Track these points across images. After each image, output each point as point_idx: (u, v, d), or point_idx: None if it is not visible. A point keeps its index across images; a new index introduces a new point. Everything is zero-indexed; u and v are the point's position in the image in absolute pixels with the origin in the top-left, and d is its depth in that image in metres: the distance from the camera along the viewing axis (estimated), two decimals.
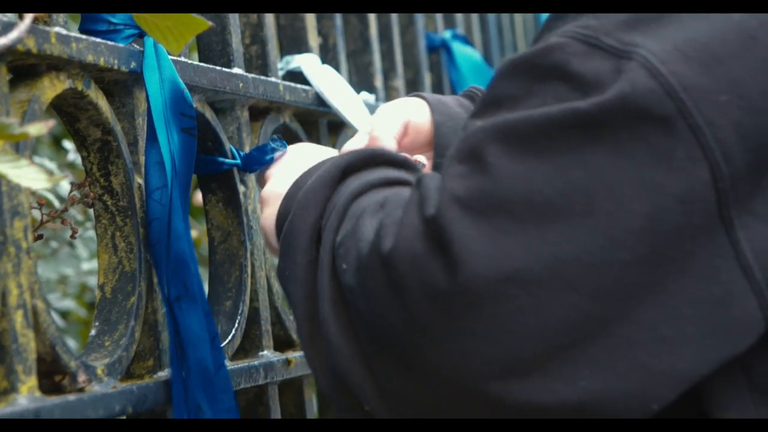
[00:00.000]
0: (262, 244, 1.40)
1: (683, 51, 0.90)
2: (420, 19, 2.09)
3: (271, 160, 1.25)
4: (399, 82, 1.94)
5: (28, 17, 1.01)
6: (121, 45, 1.17)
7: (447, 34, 2.18)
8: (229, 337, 1.31)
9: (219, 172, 1.35)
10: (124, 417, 1.16)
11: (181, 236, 1.16)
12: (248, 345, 1.38)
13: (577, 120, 0.90)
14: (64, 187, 1.92)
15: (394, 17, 1.95)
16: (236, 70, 1.38)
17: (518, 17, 2.80)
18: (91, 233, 2.08)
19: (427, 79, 2.07)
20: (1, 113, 0.99)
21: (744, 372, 0.95)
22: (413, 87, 2.04)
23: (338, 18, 1.75)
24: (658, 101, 0.89)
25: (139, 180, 1.20)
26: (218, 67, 1.34)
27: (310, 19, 1.64)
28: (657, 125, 0.89)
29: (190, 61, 1.28)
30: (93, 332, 1.17)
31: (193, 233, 1.98)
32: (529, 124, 0.91)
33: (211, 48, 1.40)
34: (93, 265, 2.13)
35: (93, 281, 2.20)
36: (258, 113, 1.45)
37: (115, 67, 1.16)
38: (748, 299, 0.91)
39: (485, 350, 0.90)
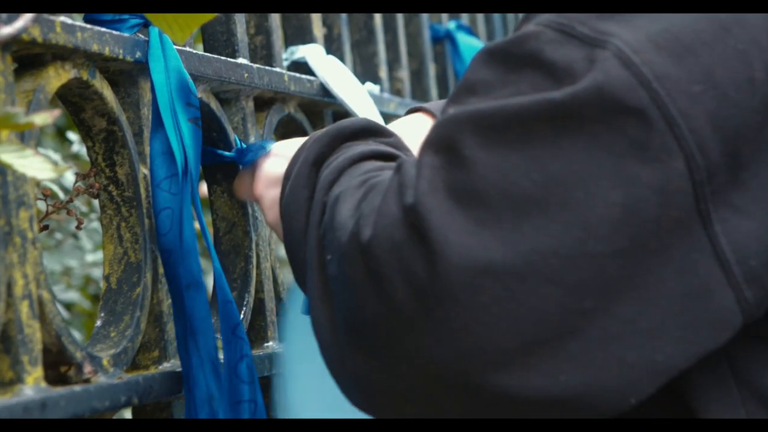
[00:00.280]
0: (267, 235, 1.40)
1: (656, 41, 0.90)
2: None
3: (256, 155, 1.24)
4: (403, 73, 1.94)
5: None
6: (126, 35, 1.16)
7: (451, 25, 2.17)
8: None
9: (219, 164, 1.34)
10: (130, 408, 1.16)
11: (191, 225, 1.16)
12: (254, 336, 1.38)
13: (552, 111, 0.89)
14: (69, 178, 1.92)
15: None
16: (241, 61, 1.38)
17: None
18: (96, 225, 2.08)
19: (431, 69, 2.07)
20: (6, 103, 0.99)
21: (730, 367, 0.94)
22: (418, 77, 2.04)
23: None
24: (631, 92, 0.88)
25: (144, 170, 1.19)
26: (223, 58, 1.34)
27: None
28: (631, 116, 0.88)
29: (195, 51, 1.27)
30: (98, 323, 1.17)
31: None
32: (504, 115, 0.90)
33: (216, 38, 1.40)
34: (97, 256, 2.13)
35: (97, 273, 2.20)
36: (263, 104, 1.45)
37: (121, 56, 1.15)
38: (725, 293, 0.90)
39: (461, 342, 0.90)
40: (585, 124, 0.89)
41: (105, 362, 1.10)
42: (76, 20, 1.10)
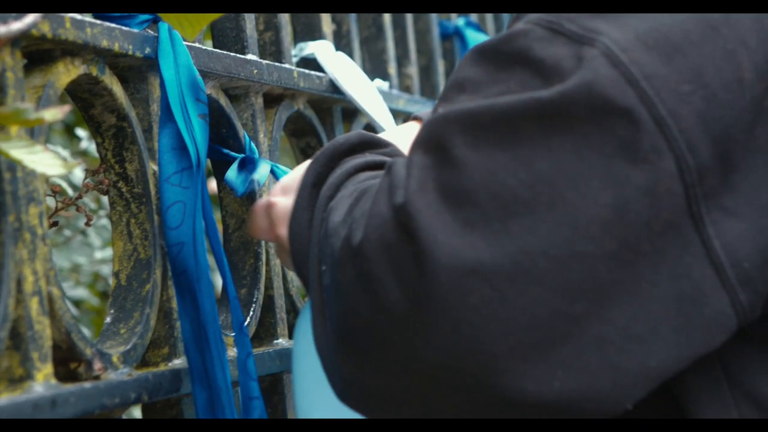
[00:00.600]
0: None
1: (645, 40, 0.89)
2: None
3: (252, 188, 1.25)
4: (412, 69, 1.94)
5: None
6: (135, 30, 1.16)
7: (460, 22, 2.16)
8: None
9: (225, 161, 1.34)
10: (140, 405, 1.16)
11: (201, 219, 1.16)
12: (263, 333, 1.37)
13: (540, 110, 0.89)
14: (78, 175, 1.92)
15: None
16: (250, 57, 1.37)
17: None
18: (104, 221, 2.08)
19: (440, 66, 2.07)
20: (16, 98, 0.98)
21: (724, 370, 0.94)
22: (427, 74, 2.03)
23: None
24: (620, 91, 0.88)
25: (153, 166, 1.19)
26: (233, 54, 1.33)
27: None
28: (620, 116, 0.88)
29: (204, 47, 1.27)
30: (108, 320, 1.17)
31: None
32: (493, 115, 0.90)
33: (225, 34, 1.39)
34: (106, 253, 2.13)
35: (106, 270, 2.20)
36: (272, 100, 1.45)
37: (130, 52, 1.15)
38: (719, 296, 0.89)
39: (452, 344, 0.89)
40: (574, 124, 0.88)
41: (115, 359, 1.10)
42: (86, 16, 1.10)
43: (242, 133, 1.34)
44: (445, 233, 0.88)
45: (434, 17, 2.06)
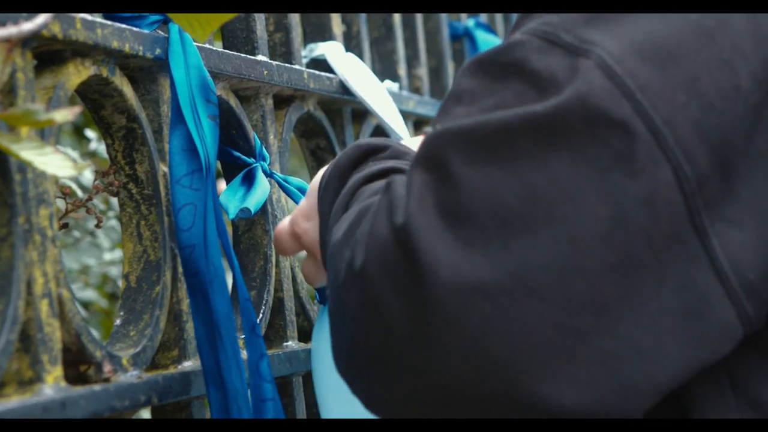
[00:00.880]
0: None
1: (639, 50, 0.88)
2: None
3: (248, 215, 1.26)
4: (422, 71, 1.93)
5: None
6: (146, 31, 1.16)
7: (470, 23, 2.16)
8: None
9: (235, 163, 1.34)
10: (149, 408, 1.15)
11: (213, 220, 1.16)
12: (273, 335, 1.37)
13: (536, 124, 0.88)
14: (87, 177, 1.91)
15: None
16: (261, 58, 1.37)
17: None
18: (113, 223, 2.07)
19: (450, 67, 2.06)
20: (26, 99, 0.98)
21: (729, 377, 0.93)
22: (437, 75, 2.03)
23: None
24: (615, 103, 0.87)
25: (164, 168, 1.19)
26: (243, 55, 1.33)
27: None
28: (615, 128, 0.87)
29: (215, 48, 1.27)
30: (118, 322, 1.16)
31: None
32: (488, 131, 0.89)
33: (236, 35, 1.39)
34: (115, 255, 2.13)
35: (115, 271, 2.19)
36: (282, 101, 1.44)
37: (140, 53, 1.15)
38: (725, 308, 0.89)
39: (459, 362, 0.88)
40: (569, 137, 0.87)
41: (124, 361, 1.09)
42: (96, 17, 1.09)
43: (252, 134, 1.33)
44: (445, 252, 0.88)
45: (444, 18, 2.06)
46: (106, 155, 1.20)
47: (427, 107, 1.84)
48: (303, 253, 1.23)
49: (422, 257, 0.88)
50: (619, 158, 0.87)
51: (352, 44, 1.72)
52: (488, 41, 2.15)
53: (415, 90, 1.92)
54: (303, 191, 1.33)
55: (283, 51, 1.49)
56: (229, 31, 1.39)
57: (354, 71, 1.57)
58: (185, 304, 1.19)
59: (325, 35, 1.62)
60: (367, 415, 0.99)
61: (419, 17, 1.94)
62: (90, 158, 2.06)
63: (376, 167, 1.08)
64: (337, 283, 0.95)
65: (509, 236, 0.87)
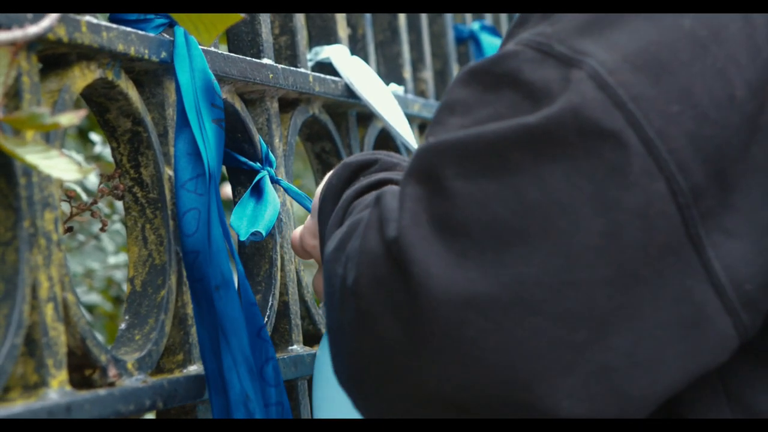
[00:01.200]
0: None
1: (632, 61, 0.88)
2: None
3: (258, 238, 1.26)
4: (427, 74, 1.93)
5: None
6: (151, 34, 1.15)
7: (475, 26, 2.16)
8: None
9: (240, 167, 1.33)
10: (154, 412, 1.15)
11: (218, 225, 1.15)
12: (278, 339, 1.37)
13: (528, 137, 0.87)
14: (92, 180, 1.91)
15: None
16: (266, 61, 1.37)
17: None
18: (118, 226, 2.07)
19: (455, 70, 2.06)
20: (32, 103, 0.98)
21: (723, 384, 0.93)
22: (442, 78, 2.03)
23: None
24: (607, 114, 0.86)
25: (169, 171, 1.18)
26: (248, 58, 1.33)
27: None
28: (608, 139, 0.86)
29: (220, 51, 1.26)
30: (123, 326, 1.16)
31: None
32: (481, 144, 0.89)
33: (241, 38, 1.39)
34: (119, 259, 2.12)
35: (119, 275, 2.19)
36: (287, 104, 1.44)
37: (146, 56, 1.14)
38: (722, 319, 0.88)
39: (455, 377, 0.88)
40: (562, 149, 0.87)
41: (129, 365, 1.09)
42: (102, 20, 1.09)
43: (258, 138, 1.33)
44: (438, 266, 0.87)
45: (449, 21, 2.05)
46: (110, 159, 1.20)
47: (432, 110, 1.84)
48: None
49: (415, 270, 0.88)
50: (613, 170, 0.86)
51: (357, 47, 1.71)
52: (493, 44, 2.15)
53: (420, 93, 1.91)
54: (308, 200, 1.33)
55: (288, 54, 1.48)
56: (234, 34, 1.39)
57: (359, 74, 1.56)
58: (190, 307, 1.19)
59: (331, 38, 1.61)
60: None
61: (424, 20, 1.94)
62: (95, 162, 2.06)
63: (366, 181, 1.09)
64: (332, 300, 0.95)
65: (503, 250, 0.87)
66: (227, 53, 1.28)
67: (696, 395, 0.93)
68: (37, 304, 0.97)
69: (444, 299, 0.87)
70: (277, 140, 1.38)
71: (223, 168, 1.31)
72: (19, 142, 0.90)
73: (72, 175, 0.90)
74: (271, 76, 1.35)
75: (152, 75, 1.19)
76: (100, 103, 1.15)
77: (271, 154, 1.34)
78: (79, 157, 1.94)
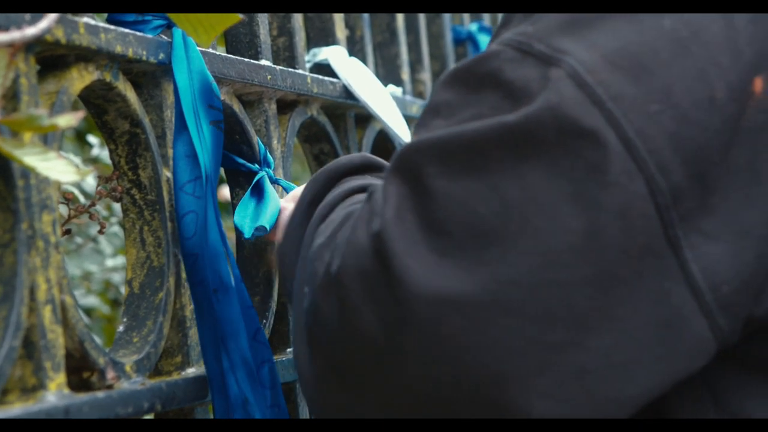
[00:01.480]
0: None
1: (612, 60, 0.87)
2: None
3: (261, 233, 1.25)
4: (426, 75, 1.93)
5: None
6: (149, 36, 1.15)
7: (473, 27, 2.16)
8: None
9: (239, 169, 1.33)
10: (153, 414, 1.15)
11: (215, 228, 1.15)
12: (276, 341, 1.36)
13: (508, 135, 0.87)
14: (90, 182, 1.91)
15: None
16: (264, 62, 1.36)
17: None
18: (116, 229, 2.07)
19: None
20: (29, 105, 0.97)
21: (709, 391, 0.93)
22: None
23: None
24: (585, 112, 0.86)
25: (167, 173, 1.18)
26: (246, 59, 1.32)
27: None
28: (586, 138, 0.86)
29: (218, 53, 1.26)
30: (121, 328, 1.16)
31: None
32: (462, 143, 0.88)
33: (239, 40, 1.38)
34: (117, 261, 2.12)
35: (117, 278, 2.19)
36: (285, 106, 1.44)
37: (144, 58, 1.14)
38: (698, 322, 0.88)
39: (431, 374, 0.88)
40: (541, 148, 0.86)
41: (128, 368, 1.09)
42: (100, 21, 1.09)
43: (256, 139, 1.33)
44: (419, 262, 0.87)
45: (447, 22, 2.05)
46: (108, 161, 1.20)
47: None
48: None
49: (395, 265, 0.87)
50: (592, 169, 0.85)
51: (355, 48, 1.71)
52: None
53: (419, 94, 1.91)
54: None
55: (286, 56, 1.48)
56: (232, 35, 1.39)
57: (357, 76, 1.56)
58: (189, 310, 1.19)
59: (329, 39, 1.61)
60: None
61: (423, 21, 1.94)
62: (92, 164, 2.06)
63: (376, 181, 1.08)
64: (315, 285, 0.94)
65: (483, 248, 0.86)
66: (225, 54, 1.28)
67: (682, 402, 0.93)
68: (35, 307, 0.96)
69: (421, 295, 0.87)
70: (275, 142, 1.37)
71: (222, 170, 1.30)
72: (17, 144, 0.90)
73: (70, 177, 0.90)
74: (269, 77, 1.35)
75: (150, 76, 1.19)
76: (98, 105, 1.15)
77: (269, 155, 1.34)
78: (77, 159, 1.94)
